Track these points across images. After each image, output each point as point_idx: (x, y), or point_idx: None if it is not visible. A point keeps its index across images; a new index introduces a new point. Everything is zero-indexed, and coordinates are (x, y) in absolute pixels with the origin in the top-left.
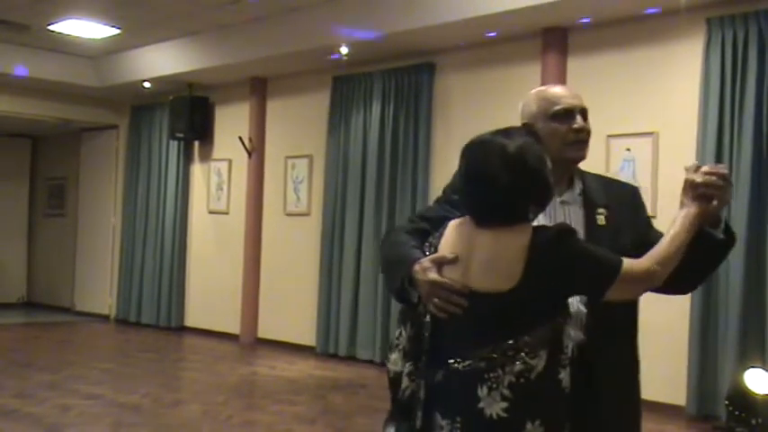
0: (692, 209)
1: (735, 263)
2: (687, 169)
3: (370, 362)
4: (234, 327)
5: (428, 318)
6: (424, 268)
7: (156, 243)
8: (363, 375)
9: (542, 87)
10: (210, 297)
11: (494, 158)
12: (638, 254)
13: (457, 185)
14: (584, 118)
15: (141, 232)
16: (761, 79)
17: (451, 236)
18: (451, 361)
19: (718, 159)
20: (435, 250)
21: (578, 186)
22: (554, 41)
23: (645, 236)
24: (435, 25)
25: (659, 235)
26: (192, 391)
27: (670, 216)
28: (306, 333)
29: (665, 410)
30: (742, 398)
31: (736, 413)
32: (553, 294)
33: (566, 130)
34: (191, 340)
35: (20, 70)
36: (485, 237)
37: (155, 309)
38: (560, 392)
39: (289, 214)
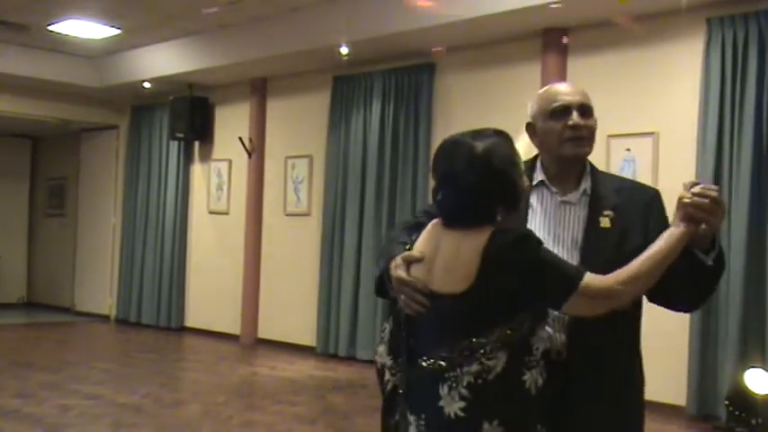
0: (678, 228)
1: (735, 263)
2: (685, 186)
3: (371, 362)
4: (234, 327)
5: (403, 314)
6: (396, 265)
7: (156, 243)
8: (363, 375)
9: (547, 86)
10: (211, 297)
11: (460, 159)
12: None
13: None
14: (585, 114)
15: (141, 232)
16: (761, 79)
17: (425, 235)
18: (421, 359)
19: (718, 159)
20: (412, 248)
21: (585, 186)
22: (554, 42)
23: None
24: (436, 25)
25: None
26: (192, 392)
27: (669, 216)
28: (306, 333)
29: (665, 410)
30: (742, 398)
31: (737, 413)
32: (507, 298)
33: (561, 127)
34: (191, 340)
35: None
36: (448, 237)
37: (155, 309)
38: (524, 394)
39: (289, 214)
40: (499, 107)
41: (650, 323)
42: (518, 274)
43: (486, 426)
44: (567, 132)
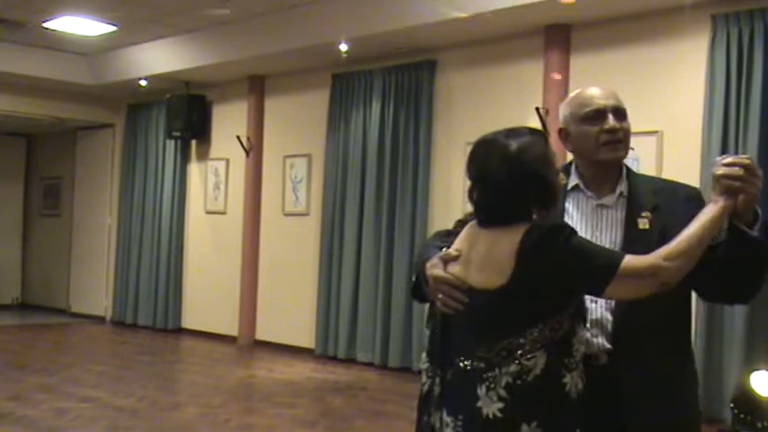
0: (717, 204)
1: None
2: (716, 161)
3: (370, 364)
4: (232, 329)
5: (439, 315)
6: (432, 265)
7: (152, 244)
8: (363, 378)
9: (579, 90)
10: (208, 299)
11: (493, 158)
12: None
13: None
14: (620, 117)
15: (137, 233)
16: (767, 77)
17: (462, 235)
18: (459, 360)
19: None
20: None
21: (621, 189)
22: (557, 39)
23: None
24: (437, 22)
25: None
26: (189, 394)
27: None
28: (304, 335)
29: None
30: (748, 400)
31: (742, 416)
32: (545, 292)
33: (597, 131)
34: (188, 342)
35: None
36: (484, 236)
37: (151, 310)
38: (563, 396)
39: (287, 214)
40: (501, 105)
41: None
42: (554, 264)
43: (524, 427)
44: (603, 137)
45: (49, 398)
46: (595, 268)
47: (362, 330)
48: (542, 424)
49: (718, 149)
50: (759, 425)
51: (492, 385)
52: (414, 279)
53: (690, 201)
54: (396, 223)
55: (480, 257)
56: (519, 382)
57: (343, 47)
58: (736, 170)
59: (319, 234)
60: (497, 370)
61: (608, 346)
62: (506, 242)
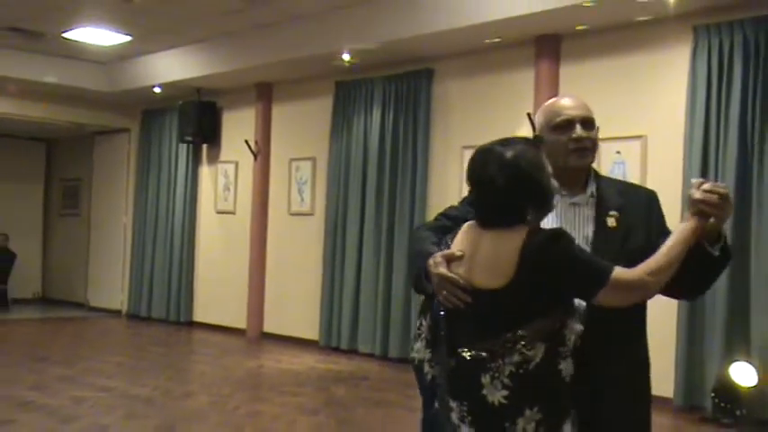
0: (690, 223)
1: None
2: (693, 184)
3: (371, 355)
4: (240, 322)
5: (442, 309)
6: (436, 263)
7: (165, 242)
8: (364, 368)
9: (553, 99)
10: (218, 293)
11: (492, 164)
12: (647, 257)
13: None
14: (587, 127)
15: (152, 231)
16: (745, 84)
17: (461, 236)
18: (460, 350)
19: (704, 161)
20: (448, 248)
21: (591, 190)
22: (547, 48)
23: (656, 241)
24: (434, 33)
25: None
26: (200, 384)
27: (666, 214)
28: (309, 327)
29: (653, 402)
30: (727, 390)
31: (722, 405)
32: (544, 292)
33: (565, 140)
34: (199, 335)
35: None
36: (486, 237)
37: (165, 304)
38: (560, 382)
39: (293, 214)
40: (494, 111)
41: None
42: (553, 270)
43: (527, 412)
44: (571, 145)
45: (69, 387)
46: (589, 276)
47: (364, 323)
48: (542, 408)
49: (700, 152)
50: (738, 413)
51: (496, 374)
52: (415, 273)
53: (651, 201)
54: (395, 222)
55: (484, 259)
56: (521, 371)
57: (346, 56)
58: (714, 198)
59: (323, 232)
60: (501, 360)
61: (581, 328)
62: (508, 244)
